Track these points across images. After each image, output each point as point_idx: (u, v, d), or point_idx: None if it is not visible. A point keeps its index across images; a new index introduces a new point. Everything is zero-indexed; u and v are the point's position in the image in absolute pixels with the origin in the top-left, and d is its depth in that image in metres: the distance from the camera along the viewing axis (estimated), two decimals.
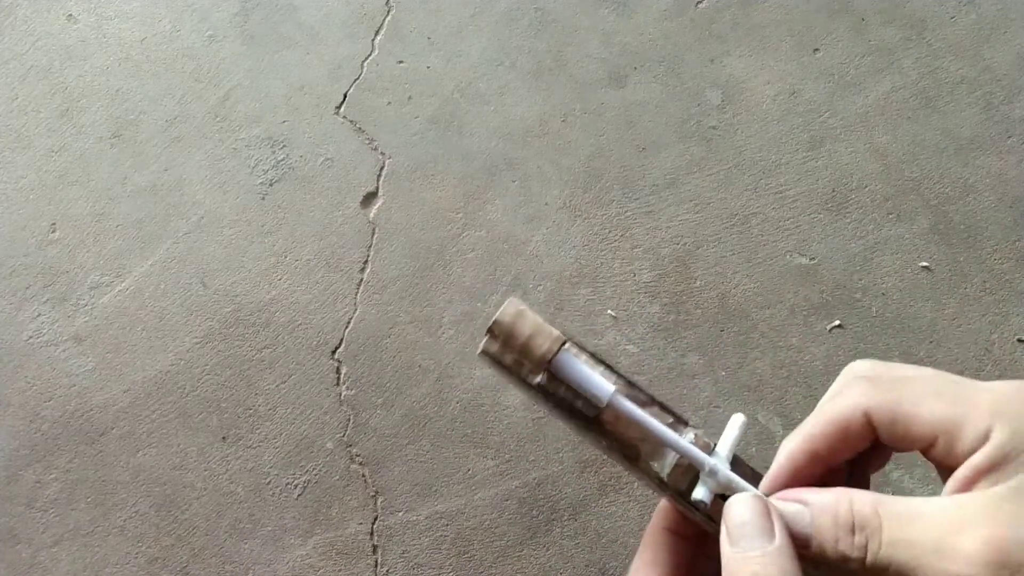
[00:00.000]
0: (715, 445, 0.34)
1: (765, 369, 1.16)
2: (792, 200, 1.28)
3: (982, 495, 0.24)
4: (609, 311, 1.21)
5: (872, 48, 1.40)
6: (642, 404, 0.35)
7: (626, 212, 1.28)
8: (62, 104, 1.39)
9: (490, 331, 0.33)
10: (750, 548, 0.27)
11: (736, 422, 0.34)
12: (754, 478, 0.33)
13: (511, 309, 0.33)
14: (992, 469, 0.24)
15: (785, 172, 1.30)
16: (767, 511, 0.28)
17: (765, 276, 1.23)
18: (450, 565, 1.08)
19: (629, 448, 0.34)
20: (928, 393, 0.27)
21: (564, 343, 0.34)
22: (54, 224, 1.30)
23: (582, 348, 0.36)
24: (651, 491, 0.32)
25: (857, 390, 0.29)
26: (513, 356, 0.34)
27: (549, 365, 0.34)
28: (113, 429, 1.16)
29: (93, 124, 1.37)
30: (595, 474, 1.11)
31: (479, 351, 0.34)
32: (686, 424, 0.34)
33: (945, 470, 0.27)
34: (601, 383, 0.35)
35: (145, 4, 1.48)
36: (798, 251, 1.24)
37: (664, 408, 0.34)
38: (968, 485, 0.25)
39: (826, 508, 0.27)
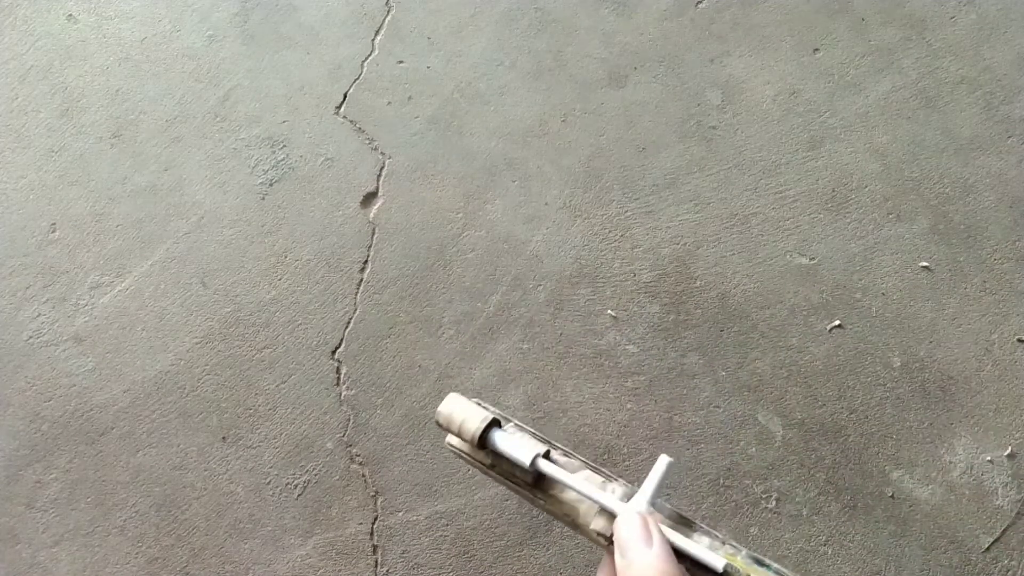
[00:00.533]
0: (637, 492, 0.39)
1: (765, 369, 1.16)
2: (792, 200, 1.28)
3: None
4: (609, 311, 1.21)
5: (872, 48, 1.40)
6: (573, 469, 0.40)
7: (626, 212, 1.28)
8: (62, 104, 1.39)
9: (437, 423, 0.40)
10: (634, 555, 0.32)
11: (660, 465, 0.39)
12: (674, 518, 0.37)
13: (446, 402, 0.41)
14: None
15: (785, 172, 1.30)
16: (645, 523, 0.33)
17: (765, 276, 1.23)
18: (450, 565, 1.08)
19: (570, 510, 0.39)
20: None
21: (493, 421, 0.40)
22: (54, 224, 1.30)
23: (521, 427, 0.41)
24: (597, 547, 0.40)
25: None
26: (458, 439, 0.41)
27: (483, 441, 0.40)
28: (113, 429, 1.16)
29: (93, 124, 1.37)
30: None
31: (446, 442, 0.40)
32: (614, 479, 0.40)
33: None
34: (525, 451, 0.39)
35: (145, 4, 1.48)
36: (798, 251, 1.24)
37: (596, 470, 0.40)
38: None
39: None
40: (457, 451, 0.42)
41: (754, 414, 1.14)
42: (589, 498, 0.38)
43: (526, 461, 0.39)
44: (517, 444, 0.40)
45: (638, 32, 1.43)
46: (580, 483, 0.38)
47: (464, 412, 0.40)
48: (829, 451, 1.11)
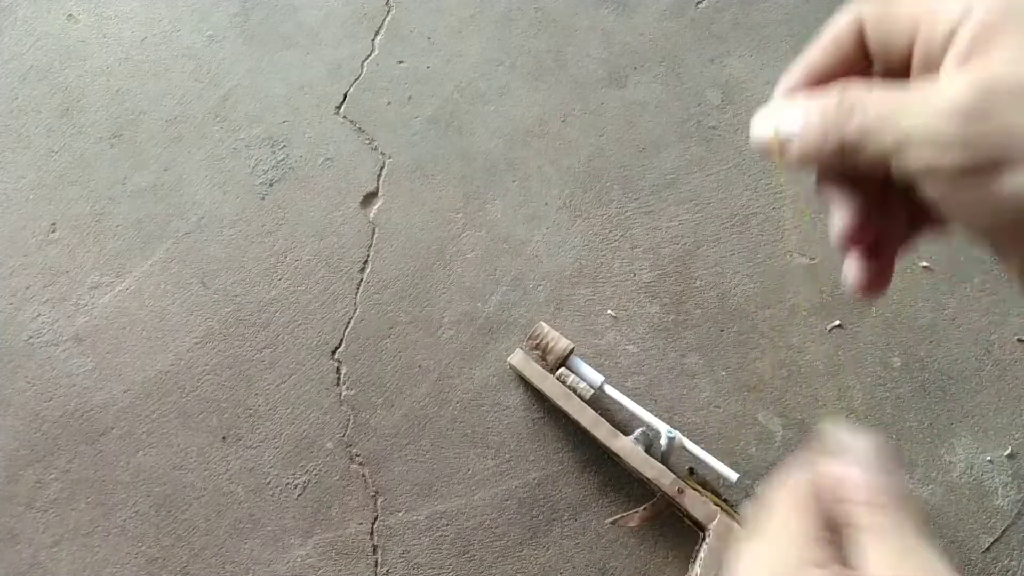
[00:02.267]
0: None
1: (765, 369, 1.16)
2: (792, 200, 1.28)
3: (976, 64, 0.23)
4: (609, 311, 1.21)
5: None
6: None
7: (626, 212, 1.28)
8: (62, 104, 1.39)
9: (529, 337, 0.56)
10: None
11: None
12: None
13: (540, 325, 0.54)
14: (977, 45, 0.23)
15: (785, 172, 1.30)
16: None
17: (765, 276, 1.23)
18: (450, 565, 1.08)
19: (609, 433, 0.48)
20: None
21: (575, 348, 0.49)
22: (54, 224, 1.29)
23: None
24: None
25: (854, 6, 0.28)
26: (541, 354, 0.52)
27: (567, 359, 0.50)
28: (113, 429, 1.16)
29: (93, 124, 1.37)
30: (595, 474, 1.11)
31: (519, 350, 0.61)
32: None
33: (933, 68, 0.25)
34: (595, 375, 0.49)
35: (145, 4, 1.47)
36: (798, 251, 1.24)
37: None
38: (955, 66, 0.23)
39: (820, 100, 0.26)
40: (521, 368, 0.64)
41: (754, 414, 1.14)
42: (641, 419, 0.56)
43: (597, 381, 0.58)
44: (589, 370, 0.61)
45: (638, 32, 1.43)
46: (634, 405, 0.56)
47: (555, 336, 0.66)
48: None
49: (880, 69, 0.27)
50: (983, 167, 0.21)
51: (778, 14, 1.44)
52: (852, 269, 0.31)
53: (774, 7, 1.44)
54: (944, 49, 0.24)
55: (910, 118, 0.23)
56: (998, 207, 0.22)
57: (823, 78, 0.28)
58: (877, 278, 0.31)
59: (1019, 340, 1.17)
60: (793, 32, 1.42)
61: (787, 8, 1.44)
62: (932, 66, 0.25)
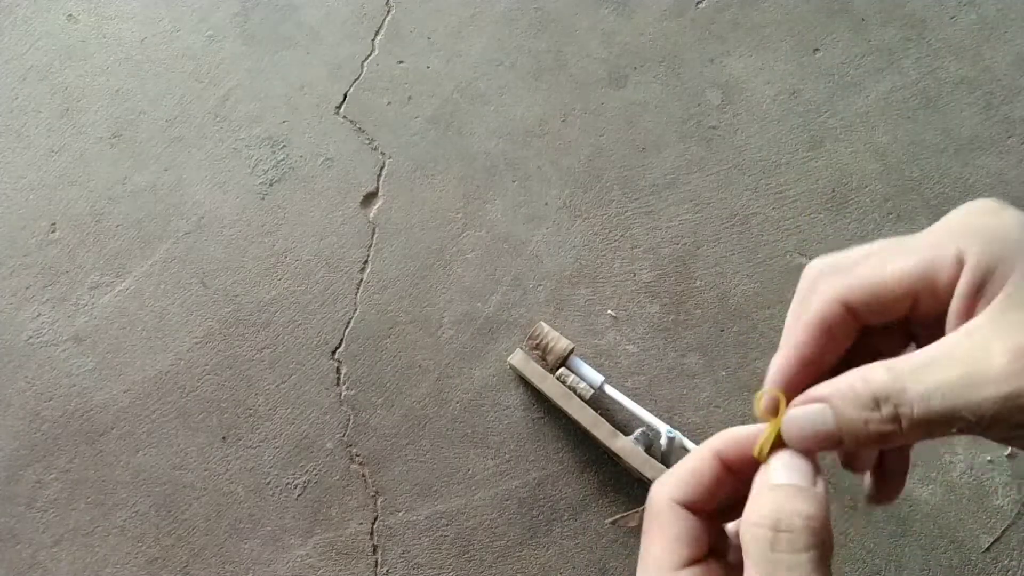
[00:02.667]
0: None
1: (765, 369, 1.16)
2: (792, 200, 1.28)
3: (985, 315, 0.23)
4: (609, 311, 1.21)
5: (872, 48, 1.40)
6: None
7: (626, 212, 1.28)
8: (62, 104, 1.39)
9: (529, 337, 0.55)
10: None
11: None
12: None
13: (540, 325, 0.54)
14: (981, 288, 0.23)
15: (785, 172, 1.30)
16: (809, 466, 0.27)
17: (765, 276, 1.23)
18: (450, 565, 1.08)
19: (609, 433, 0.47)
20: (890, 257, 0.26)
21: (574, 348, 0.49)
22: (54, 224, 1.29)
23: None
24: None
25: (825, 285, 0.28)
26: (541, 354, 0.51)
27: (566, 359, 0.50)
28: (113, 429, 1.16)
29: (93, 124, 1.37)
30: (595, 474, 1.11)
31: (519, 350, 0.60)
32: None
33: (938, 326, 0.26)
34: (596, 375, 0.49)
35: (145, 4, 1.47)
36: (798, 251, 1.24)
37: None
38: (967, 315, 0.24)
39: (844, 395, 0.25)
40: (521, 368, 0.63)
41: (754, 414, 1.14)
42: (641, 419, 0.56)
43: (597, 381, 0.58)
44: (589, 370, 0.60)
45: (638, 32, 1.43)
46: (634, 405, 0.56)
47: (554, 336, 0.66)
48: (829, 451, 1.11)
49: (877, 327, 0.27)
50: None
51: (778, 14, 1.44)
52: (867, 485, 0.32)
53: (774, 7, 1.44)
54: (947, 295, 0.24)
55: (965, 398, 0.23)
56: None
57: (817, 361, 0.28)
58: (889, 493, 0.32)
59: None
60: (793, 32, 1.42)
61: (787, 8, 1.44)
62: (940, 305, 0.25)
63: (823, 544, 0.24)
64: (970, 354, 0.23)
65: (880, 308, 0.27)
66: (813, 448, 0.27)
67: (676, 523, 0.28)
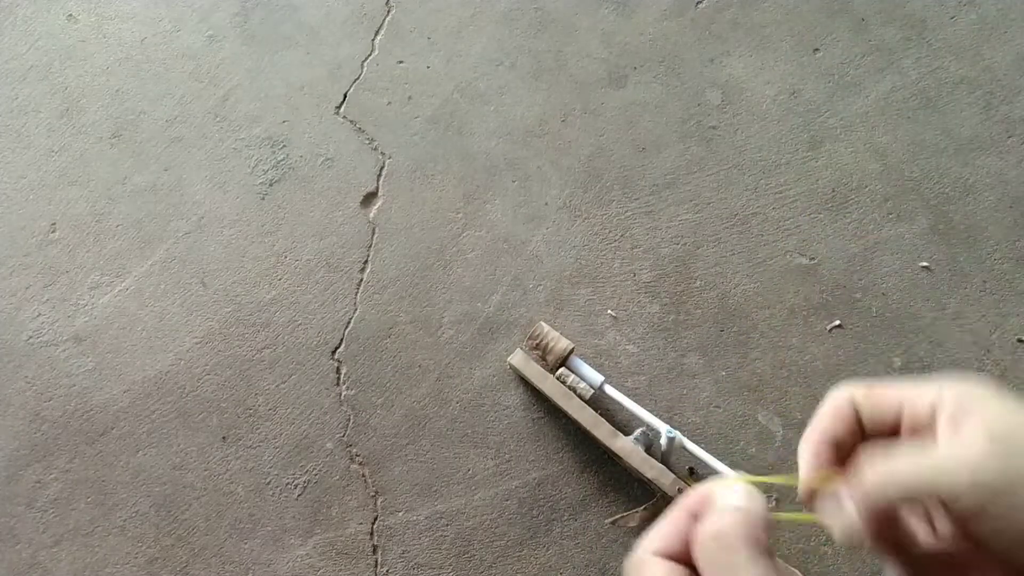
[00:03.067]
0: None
1: (765, 369, 1.16)
2: (792, 200, 1.28)
3: (966, 429, 0.31)
4: (609, 311, 1.21)
5: (872, 48, 1.40)
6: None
7: (626, 212, 1.28)
8: (62, 104, 1.39)
9: (529, 337, 0.53)
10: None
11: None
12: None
13: (540, 325, 0.52)
14: (956, 420, 0.32)
15: (785, 172, 1.30)
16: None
17: (765, 276, 1.23)
18: (450, 565, 1.08)
19: (608, 433, 0.47)
20: (893, 385, 0.35)
21: (574, 348, 0.49)
22: (54, 224, 1.29)
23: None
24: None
25: (845, 388, 0.37)
26: (541, 354, 0.50)
27: (566, 359, 0.50)
28: (113, 429, 1.16)
29: (93, 124, 1.37)
30: (595, 474, 1.11)
31: (519, 350, 0.56)
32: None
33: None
34: (596, 375, 0.48)
35: (145, 4, 1.47)
36: (798, 251, 1.24)
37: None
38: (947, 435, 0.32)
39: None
40: (521, 368, 0.59)
41: (754, 414, 1.14)
42: (643, 419, 0.52)
43: (597, 381, 0.54)
44: (589, 370, 0.49)
45: (638, 32, 1.43)
46: (634, 405, 0.53)
47: (554, 336, 0.63)
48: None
49: (872, 432, 0.36)
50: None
51: (778, 14, 1.44)
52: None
53: (774, 7, 1.44)
54: (929, 420, 0.33)
55: (950, 475, 0.30)
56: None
57: (835, 443, 0.36)
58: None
59: (1019, 340, 1.17)
60: (793, 32, 1.42)
61: (787, 8, 1.44)
62: (919, 431, 0.34)
63: (758, 543, 0.30)
64: (957, 450, 0.31)
65: (875, 416, 0.36)
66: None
67: (659, 569, 0.33)
